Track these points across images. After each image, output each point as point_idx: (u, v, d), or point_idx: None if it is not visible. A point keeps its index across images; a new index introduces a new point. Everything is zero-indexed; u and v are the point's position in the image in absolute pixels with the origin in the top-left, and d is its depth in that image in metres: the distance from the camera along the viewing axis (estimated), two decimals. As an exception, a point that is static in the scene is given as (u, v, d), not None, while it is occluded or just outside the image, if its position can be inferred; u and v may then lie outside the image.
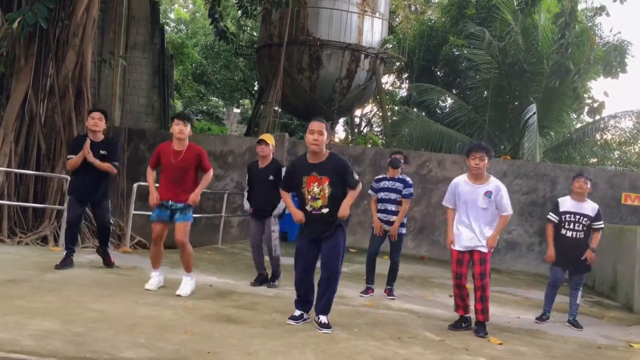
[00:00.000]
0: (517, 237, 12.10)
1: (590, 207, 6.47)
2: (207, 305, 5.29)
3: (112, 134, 13.75)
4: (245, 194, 6.92)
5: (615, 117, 17.81)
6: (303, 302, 5.16)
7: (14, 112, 9.83)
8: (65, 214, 7.60)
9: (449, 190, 5.71)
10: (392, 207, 6.93)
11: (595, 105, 15.65)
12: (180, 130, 5.77)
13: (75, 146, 6.64)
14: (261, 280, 6.85)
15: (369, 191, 7.20)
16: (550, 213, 6.64)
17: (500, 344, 5.19)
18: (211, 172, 6.01)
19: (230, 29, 20.10)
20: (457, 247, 5.56)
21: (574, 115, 20.49)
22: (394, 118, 24.38)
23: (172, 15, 39.68)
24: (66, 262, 6.63)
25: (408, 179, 7.04)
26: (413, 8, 28.51)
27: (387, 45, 20.91)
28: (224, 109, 36.97)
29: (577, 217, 6.42)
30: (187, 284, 5.86)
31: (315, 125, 4.91)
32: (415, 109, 22.77)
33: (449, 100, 21.06)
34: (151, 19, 17.19)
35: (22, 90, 9.92)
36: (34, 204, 9.80)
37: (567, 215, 6.47)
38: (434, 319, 6.04)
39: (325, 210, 4.92)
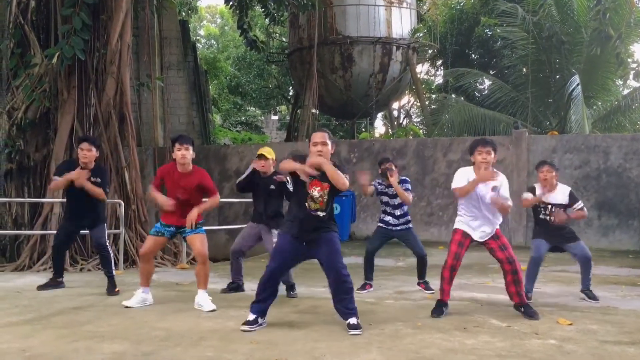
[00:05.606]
0: (574, 213, 11.70)
1: (561, 194, 6.22)
2: (268, 313, 5.32)
3: (157, 153, 14.04)
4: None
5: (664, 78, 17.17)
6: (262, 306, 4.91)
7: (63, 144, 10.15)
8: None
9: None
10: (397, 212, 6.87)
11: (641, 68, 15.14)
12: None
13: (62, 168, 6.66)
14: (233, 287, 6.68)
15: (372, 182, 7.01)
16: (528, 193, 6.35)
17: (570, 324, 5.04)
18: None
19: (260, 37, 20.28)
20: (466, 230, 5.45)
21: (619, 81, 19.85)
22: (433, 106, 24.12)
23: (201, 32, 40.37)
24: (49, 284, 6.71)
25: (404, 177, 6.95)
26: (440, -7, 28.13)
27: (418, 34, 20.71)
28: (262, 118, 37.34)
29: (550, 206, 6.21)
30: (206, 300, 5.72)
31: (317, 136, 4.88)
32: (453, 95, 22.46)
33: (487, 82, 20.66)
34: (182, 38, 17.54)
35: (68, 122, 10.23)
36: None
37: (541, 204, 6.27)
38: (497, 305, 5.91)
39: (321, 214, 4.86)
